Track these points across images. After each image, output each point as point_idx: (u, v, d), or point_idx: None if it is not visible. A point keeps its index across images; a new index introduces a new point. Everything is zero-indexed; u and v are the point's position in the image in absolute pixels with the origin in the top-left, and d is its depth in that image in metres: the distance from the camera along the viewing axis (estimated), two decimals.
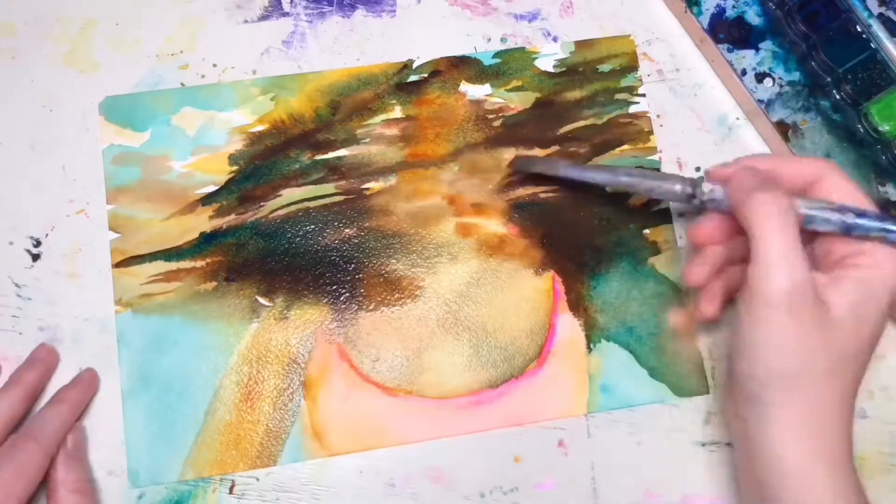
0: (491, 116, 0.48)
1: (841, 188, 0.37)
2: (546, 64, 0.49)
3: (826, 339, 0.35)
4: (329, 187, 0.46)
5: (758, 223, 0.35)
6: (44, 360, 0.43)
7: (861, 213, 0.36)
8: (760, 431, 0.36)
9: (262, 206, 0.46)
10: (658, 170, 0.47)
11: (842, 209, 0.37)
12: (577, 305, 0.46)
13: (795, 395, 0.35)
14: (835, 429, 0.35)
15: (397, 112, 0.47)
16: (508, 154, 0.47)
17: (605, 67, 0.49)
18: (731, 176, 0.38)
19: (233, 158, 0.46)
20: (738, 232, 0.38)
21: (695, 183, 0.40)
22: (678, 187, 0.40)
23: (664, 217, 0.47)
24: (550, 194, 0.47)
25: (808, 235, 0.38)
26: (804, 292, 0.34)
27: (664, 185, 0.40)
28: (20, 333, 0.44)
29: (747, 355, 0.36)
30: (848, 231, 0.36)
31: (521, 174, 0.47)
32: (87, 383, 0.43)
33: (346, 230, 0.46)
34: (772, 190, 0.36)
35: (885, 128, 0.45)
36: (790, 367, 0.35)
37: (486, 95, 0.48)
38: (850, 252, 0.37)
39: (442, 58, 0.48)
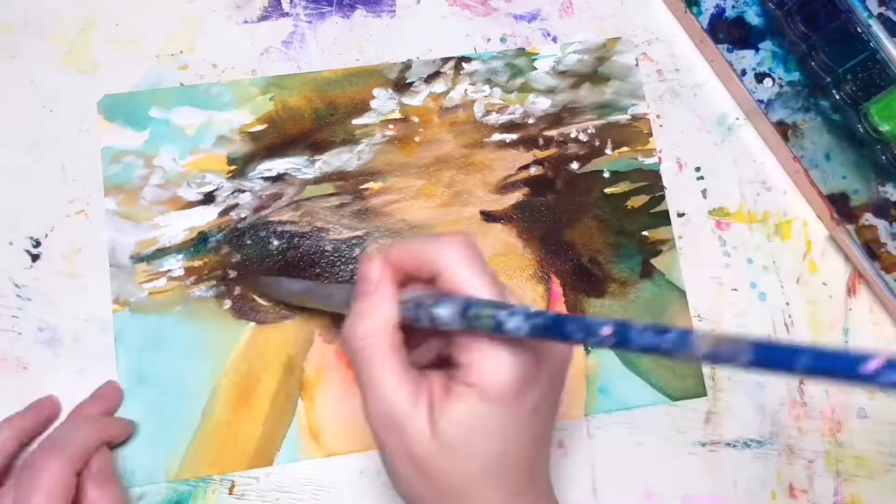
0: (490, 117, 0.48)
1: (459, 278, 0.31)
2: (545, 65, 0.49)
3: (427, 472, 0.30)
4: (328, 187, 0.46)
5: (349, 351, 0.32)
6: (109, 396, 0.42)
7: (460, 304, 0.29)
8: None
9: (262, 205, 0.46)
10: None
11: (434, 301, 0.30)
12: (576, 307, 0.46)
13: None
14: None
15: (396, 112, 0.47)
16: (508, 154, 0.47)
17: (604, 68, 0.49)
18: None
19: (231, 158, 0.46)
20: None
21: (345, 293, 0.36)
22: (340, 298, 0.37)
23: (663, 218, 0.47)
24: (550, 195, 0.47)
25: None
26: (398, 426, 0.30)
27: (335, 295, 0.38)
28: (20, 333, 0.44)
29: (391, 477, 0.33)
30: (440, 325, 0.30)
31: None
32: (108, 396, 0.42)
33: (345, 230, 0.46)
34: (355, 317, 0.32)
35: (885, 128, 0.45)
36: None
37: (486, 96, 0.48)
38: (461, 361, 0.30)
39: (441, 58, 0.48)
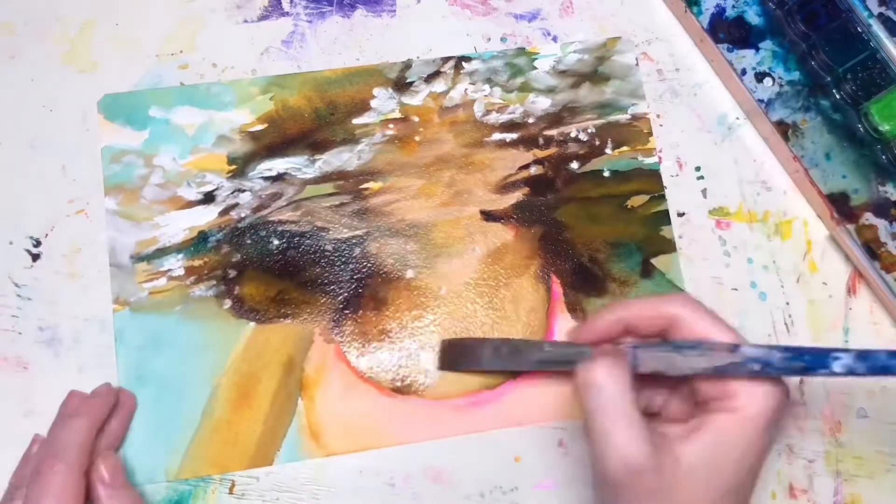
0: (490, 116, 0.48)
1: (700, 326, 0.35)
2: (545, 64, 0.49)
3: (674, 498, 0.33)
4: (328, 187, 0.46)
5: (584, 400, 0.35)
6: (101, 395, 0.42)
7: (709, 349, 0.35)
8: None
9: (261, 205, 0.46)
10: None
11: (692, 348, 0.35)
12: (576, 307, 0.46)
13: None
14: None
15: (396, 112, 0.47)
16: (508, 153, 0.47)
17: (604, 68, 0.49)
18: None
19: (231, 157, 0.46)
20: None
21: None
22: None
23: (663, 218, 0.47)
24: (550, 195, 0.47)
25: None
26: (639, 471, 0.33)
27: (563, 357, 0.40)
28: (20, 333, 0.44)
29: None
30: (711, 373, 0.35)
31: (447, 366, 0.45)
32: (103, 396, 0.42)
33: (345, 230, 0.46)
34: (593, 363, 0.35)
35: (885, 127, 0.45)
36: None
37: (486, 95, 0.48)
38: (716, 394, 0.35)
39: (441, 58, 0.48)
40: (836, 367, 0.34)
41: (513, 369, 0.44)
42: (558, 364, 0.40)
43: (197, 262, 0.45)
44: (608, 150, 0.48)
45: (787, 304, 0.47)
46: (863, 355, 0.34)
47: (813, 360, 0.34)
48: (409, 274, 0.46)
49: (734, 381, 0.34)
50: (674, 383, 0.38)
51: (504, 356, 0.43)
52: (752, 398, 0.34)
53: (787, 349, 0.34)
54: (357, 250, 0.46)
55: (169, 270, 0.45)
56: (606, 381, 0.34)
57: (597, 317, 0.38)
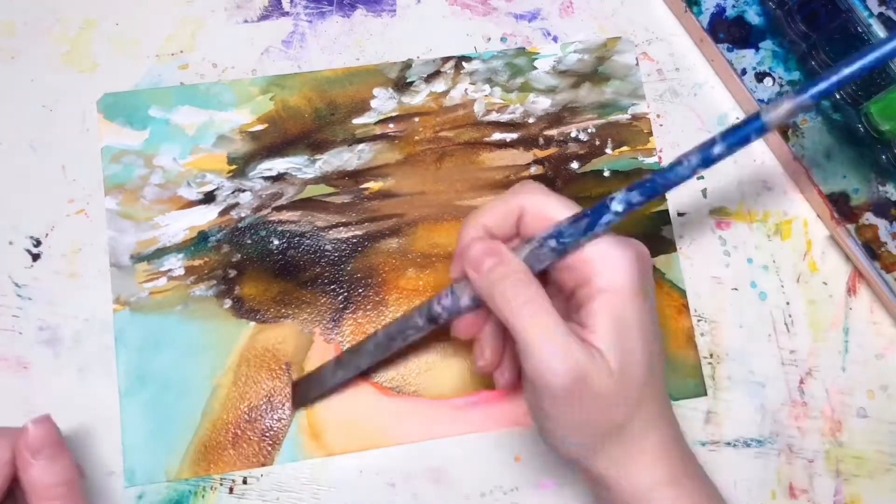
0: (490, 116, 0.48)
1: (546, 210, 0.34)
2: (545, 64, 0.49)
3: (615, 390, 0.32)
4: (328, 187, 0.46)
5: (511, 317, 0.32)
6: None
7: (558, 232, 0.33)
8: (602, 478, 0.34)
9: (262, 205, 0.46)
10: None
11: (546, 237, 0.34)
12: None
13: (604, 457, 0.34)
14: (652, 452, 0.34)
15: (396, 111, 0.47)
16: (508, 153, 0.47)
17: (604, 68, 0.49)
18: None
19: (232, 157, 0.46)
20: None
21: (430, 306, 0.37)
22: (419, 321, 0.37)
23: (663, 218, 0.47)
24: None
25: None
26: (582, 375, 0.31)
27: (409, 324, 0.38)
28: (20, 333, 0.44)
29: (549, 438, 0.35)
30: (562, 252, 0.33)
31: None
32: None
33: (345, 229, 0.46)
34: (509, 274, 0.33)
35: (885, 127, 0.45)
36: (588, 441, 0.33)
37: (486, 95, 0.48)
38: (579, 280, 0.33)
39: (442, 58, 0.48)
40: (614, 205, 0.32)
41: (360, 369, 0.42)
42: (413, 329, 0.38)
43: (197, 262, 0.45)
44: (608, 150, 0.48)
45: (788, 304, 0.47)
46: (632, 186, 0.32)
47: (593, 213, 0.33)
48: (409, 273, 0.46)
49: (588, 264, 0.33)
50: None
51: (346, 364, 0.41)
52: (610, 273, 0.32)
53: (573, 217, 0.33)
54: (357, 250, 0.46)
55: (169, 270, 0.45)
56: (533, 290, 0.32)
57: (463, 235, 0.36)
